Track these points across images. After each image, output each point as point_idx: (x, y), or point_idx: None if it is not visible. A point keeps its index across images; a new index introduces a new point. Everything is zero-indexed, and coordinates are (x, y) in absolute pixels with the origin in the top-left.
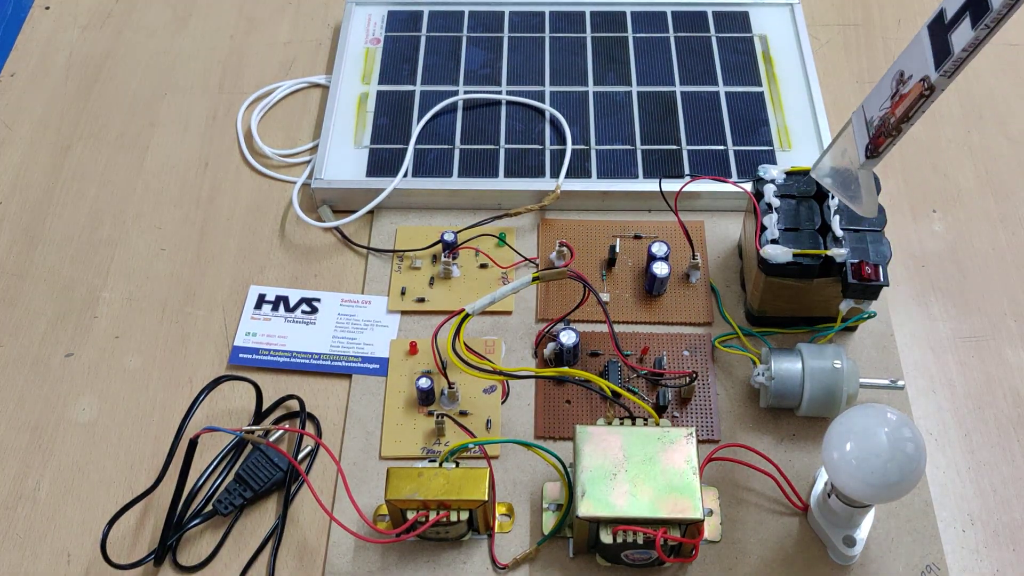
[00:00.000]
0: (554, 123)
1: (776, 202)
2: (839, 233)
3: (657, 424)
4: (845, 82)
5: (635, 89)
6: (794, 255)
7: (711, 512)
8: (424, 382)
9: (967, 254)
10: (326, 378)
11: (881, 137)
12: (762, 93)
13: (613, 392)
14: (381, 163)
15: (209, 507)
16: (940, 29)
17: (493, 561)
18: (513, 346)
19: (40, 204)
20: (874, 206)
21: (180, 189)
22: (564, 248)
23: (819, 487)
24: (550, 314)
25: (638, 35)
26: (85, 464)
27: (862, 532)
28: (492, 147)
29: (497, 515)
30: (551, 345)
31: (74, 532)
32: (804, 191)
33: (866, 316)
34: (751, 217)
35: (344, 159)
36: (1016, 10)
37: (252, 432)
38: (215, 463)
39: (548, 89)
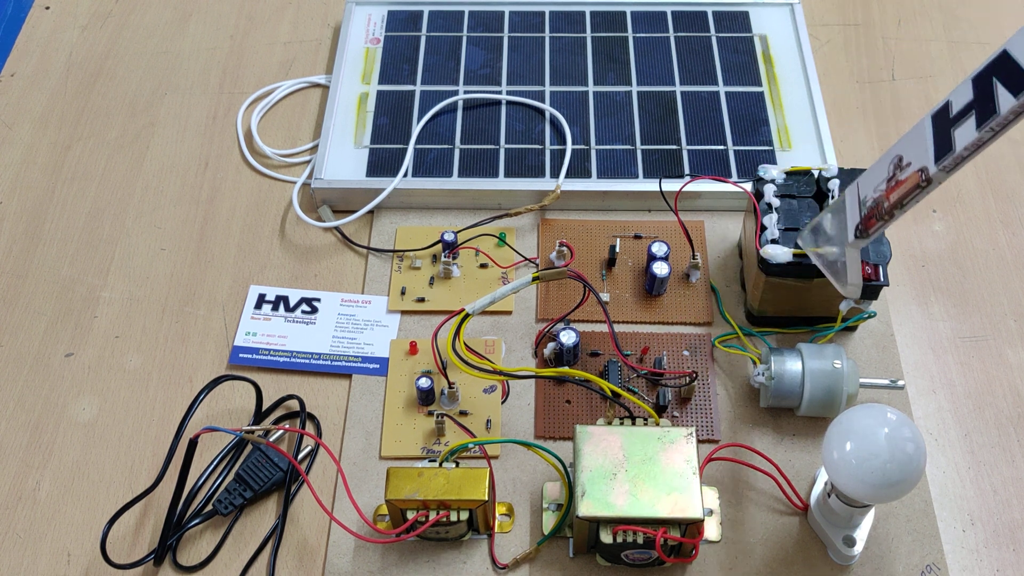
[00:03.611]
0: (554, 123)
1: (776, 202)
2: None
3: (657, 424)
4: (845, 82)
5: (635, 89)
6: (794, 255)
7: (711, 512)
8: (424, 382)
9: (967, 254)
10: (326, 378)
11: (872, 219)
12: (762, 93)
13: (613, 392)
14: (381, 163)
15: (209, 507)
16: (944, 122)
17: (493, 561)
18: (513, 346)
19: (40, 204)
20: (858, 287)
21: (180, 189)
22: (564, 248)
23: (819, 487)
24: (550, 314)
25: (638, 35)
26: (85, 464)
27: (862, 532)
28: (492, 147)
29: (497, 515)
30: (551, 345)
31: (74, 532)
32: (804, 191)
33: (866, 316)
34: (751, 217)
35: (344, 159)
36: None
37: (252, 432)
38: (215, 463)
39: (548, 89)
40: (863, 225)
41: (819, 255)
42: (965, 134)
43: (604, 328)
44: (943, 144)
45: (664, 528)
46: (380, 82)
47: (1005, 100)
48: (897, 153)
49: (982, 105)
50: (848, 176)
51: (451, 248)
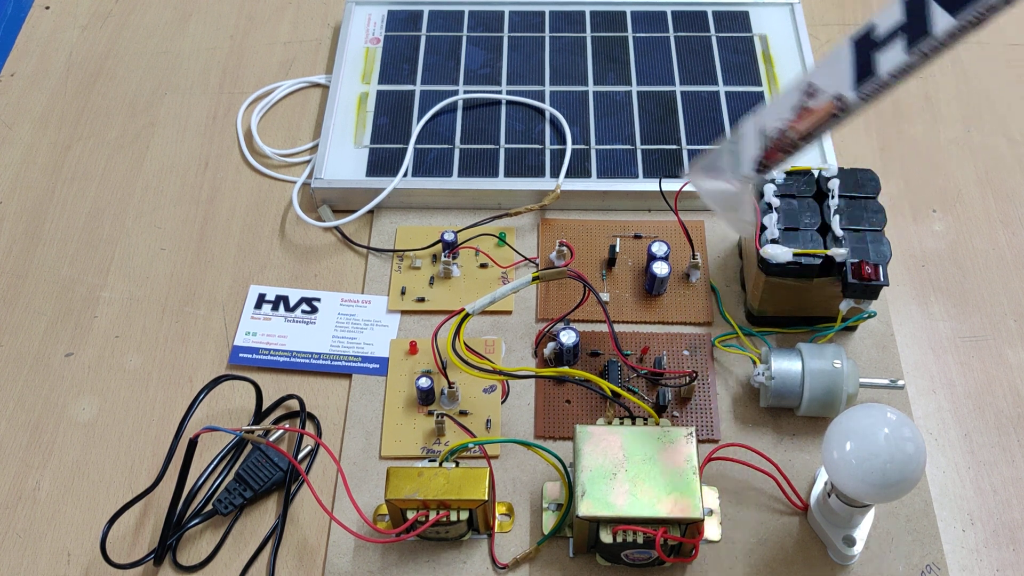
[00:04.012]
0: (554, 123)
1: (776, 202)
2: (839, 233)
3: (657, 424)
4: None
5: (635, 89)
6: (794, 255)
7: (711, 512)
8: (424, 382)
9: (967, 254)
10: (326, 378)
11: (776, 151)
12: (762, 93)
13: (613, 392)
14: (381, 163)
15: (209, 507)
16: (867, 46)
17: (493, 561)
18: (513, 346)
19: (40, 204)
20: (752, 225)
21: (180, 189)
22: (564, 248)
23: (819, 487)
24: (550, 314)
25: (638, 35)
26: (85, 464)
27: (862, 532)
28: (492, 147)
29: (497, 515)
30: (551, 345)
31: (74, 532)
32: (804, 191)
33: (866, 316)
34: None
35: (344, 159)
36: (958, 42)
37: (252, 432)
38: (215, 463)
39: (548, 89)
40: (764, 157)
41: (711, 192)
42: (891, 59)
43: (604, 328)
44: (864, 70)
45: (664, 528)
46: (380, 82)
47: (941, 20)
48: (808, 81)
49: (914, 27)
50: (848, 176)
51: (451, 248)
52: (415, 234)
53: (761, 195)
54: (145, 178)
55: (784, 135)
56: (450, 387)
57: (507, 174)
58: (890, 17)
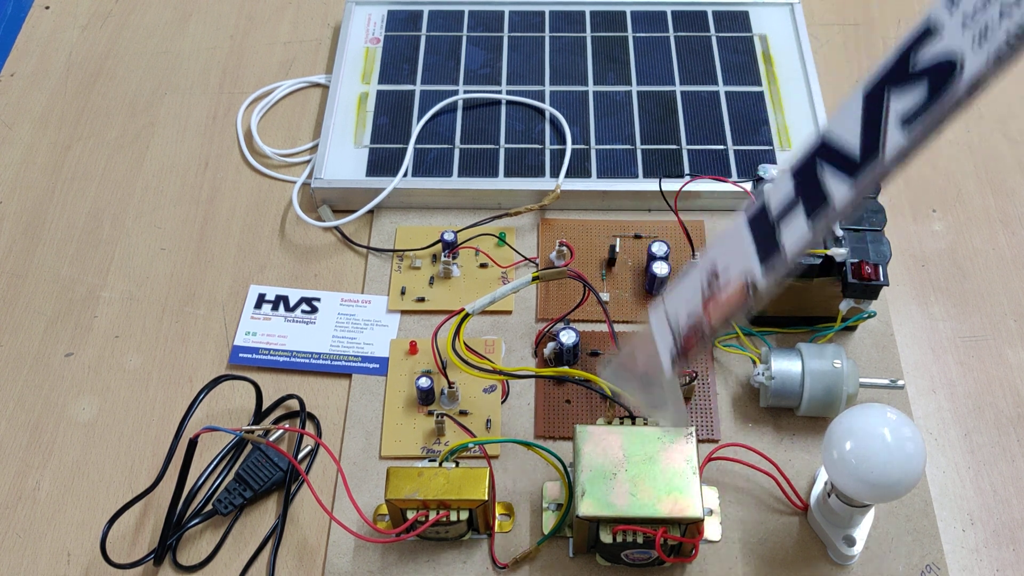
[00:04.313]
0: (554, 123)
1: None
2: (839, 233)
3: (657, 424)
4: (845, 82)
5: (635, 89)
6: None
7: (711, 512)
8: (424, 382)
9: (967, 254)
10: (326, 378)
11: (691, 342)
12: (762, 93)
13: (613, 392)
14: (381, 163)
15: (209, 507)
16: (766, 224)
17: (493, 561)
18: (513, 346)
19: (40, 204)
20: (684, 415)
21: (180, 189)
22: (564, 248)
23: (819, 487)
24: (550, 314)
25: (638, 35)
26: (85, 463)
27: (862, 532)
28: (492, 147)
29: (497, 515)
30: (551, 345)
31: (74, 531)
32: None
33: (866, 316)
34: None
35: (344, 159)
36: (861, 204)
37: (252, 432)
38: (215, 463)
39: (548, 89)
40: (681, 349)
41: (634, 390)
42: (795, 233)
43: (604, 328)
44: (768, 248)
45: (664, 528)
46: (380, 82)
47: (839, 190)
48: (710, 263)
49: (809, 199)
50: None
51: (451, 248)
52: (415, 234)
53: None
54: (145, 178)
55: (698, 325)
56: (450, 387)
57: (507, 174)
58: (781, 191)
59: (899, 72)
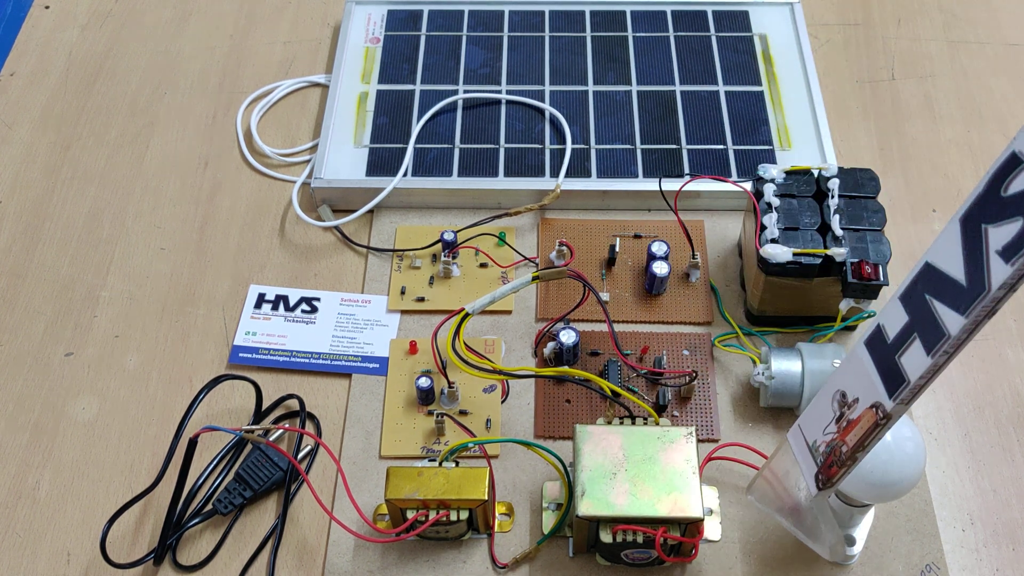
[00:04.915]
0: (554, 122)
1: (776, 201)
2: (839, 232)
3: (657, 423)
4: (845, 82)
5: (635, 88)
6: (794, 254)
7: (711, 511)
8: (424, 381)
9: None
10: (326, 377)
11: (834, 467)
12: (762, 92)
13: (613, 391)
14: (381, 162)
15: (209, 506)
16: (883, 349)
17: (493, 560)
18: (513, 345)
19: (40, 204)
20: (842, 546)
21: (180, 188)
22: (564, 247)
23: None
24: (550, 313)
25: (638, 34)
26: (85, 463)
27: (862, 531)
28: (492, 146)
29: (497, 514)
30: (551, 344)
31: (74, 531)
32: (804, 191)
33: (866, 316)
34: (751, 216)
35: (344, 158)
36: (978, 331)
37: (252, 431)
38: (215, 462)
39: (548, 88)
40: (824, 475)
41: (780, 512)
42: (916, 361)
43: (604, 328)
44: (892, 375)
45: (664, 527)
46: (380, 81)
47: (950, 319)
48: (837, 389)
49: (927, 331)
50: (848, 176)
51: (451, 247)
52: (415, 234)
53: (761, 195)
54: (145, 178)
55: (836, 449)
56: (450, 387)
57: (507, 174)
58: (894, 318)
59: (991, 205)
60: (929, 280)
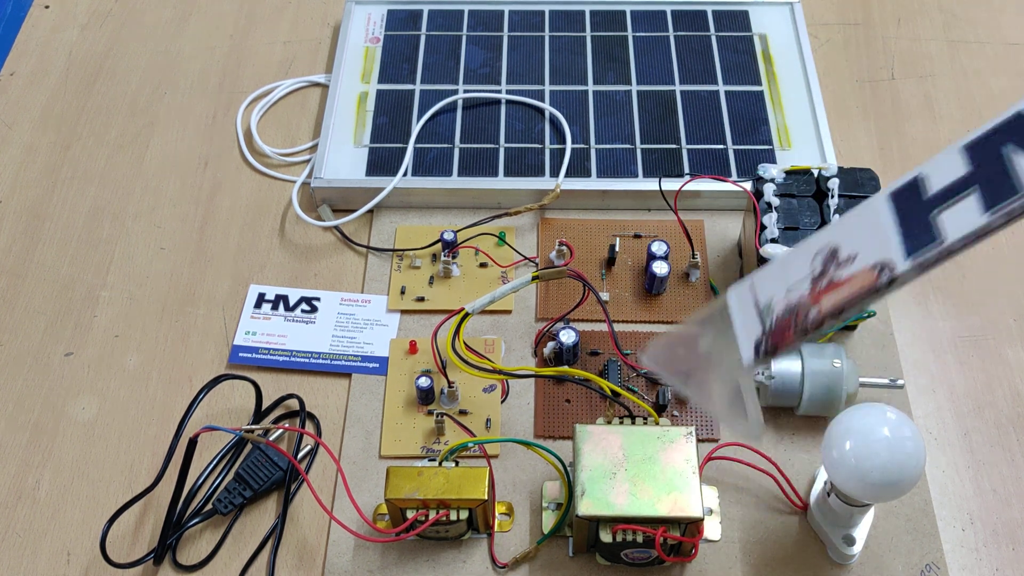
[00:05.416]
0: (554, 122)
1: (776, 201)
2: None
3: (657, 423)
4: (845, 81)
5: (635, 88)
6: None
7: (711, 511)
8: (424, 381)
9: (967, 253)
10: (326, 377)
11: (788, 332)
12: (762, 92)
13: (613, 391)
14: (381, 162)
15: (209, 506)
16: (916, 204)
17: (493, 560)
18: (513, 345)
19: (40, 204)
20: (759, 425)
21: (180, 188)
22: (564, 247)
23: (819, 486)
24: (550, 313)
25: (638, 34)
26: (85, 463)
27: (862, 531)
28: (492, 146)
29: (497, 514)
30: (551, 344)
31: (74, 531)
32: (804, 190)
33: (866, 315)
34: (751, 216)
35: (344, 158)
36: None
37: (252, 431)
38: (215, 462)
39: (548, 88)
40: (770, 341)
41: (691, 386)
42: (962, 220)
43: (604, 327)
44: (919, 231)
45: (664, 527)
46: (380, 81)
47: None
48: (829, 243)
49: (989, 181)
50: (848, 175)
51: (451, 247)
52: (415, 233)
53: (761, 194)
54: (145, 178)
55: (800, 312)
56: (450, 386)
57: (507, 173)
58: (947, 170)
59: None
60: (1015, 130)
